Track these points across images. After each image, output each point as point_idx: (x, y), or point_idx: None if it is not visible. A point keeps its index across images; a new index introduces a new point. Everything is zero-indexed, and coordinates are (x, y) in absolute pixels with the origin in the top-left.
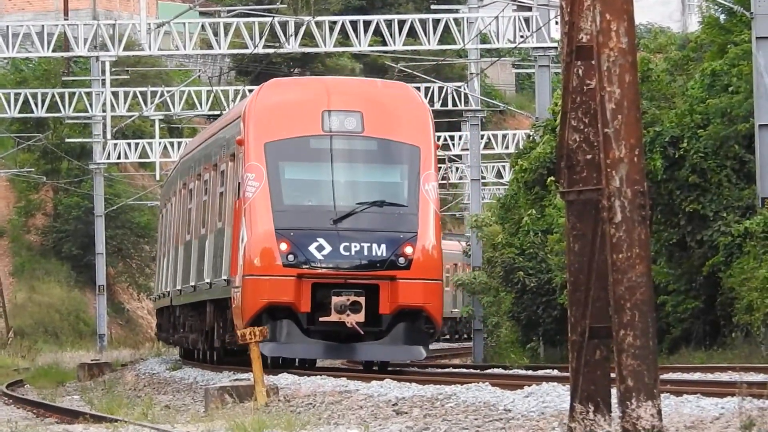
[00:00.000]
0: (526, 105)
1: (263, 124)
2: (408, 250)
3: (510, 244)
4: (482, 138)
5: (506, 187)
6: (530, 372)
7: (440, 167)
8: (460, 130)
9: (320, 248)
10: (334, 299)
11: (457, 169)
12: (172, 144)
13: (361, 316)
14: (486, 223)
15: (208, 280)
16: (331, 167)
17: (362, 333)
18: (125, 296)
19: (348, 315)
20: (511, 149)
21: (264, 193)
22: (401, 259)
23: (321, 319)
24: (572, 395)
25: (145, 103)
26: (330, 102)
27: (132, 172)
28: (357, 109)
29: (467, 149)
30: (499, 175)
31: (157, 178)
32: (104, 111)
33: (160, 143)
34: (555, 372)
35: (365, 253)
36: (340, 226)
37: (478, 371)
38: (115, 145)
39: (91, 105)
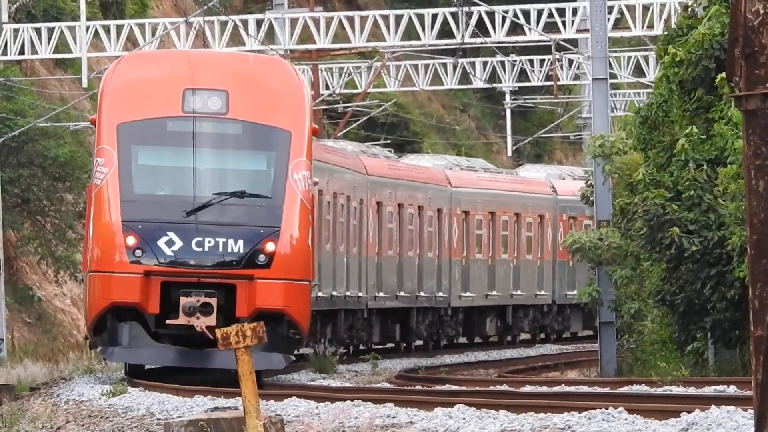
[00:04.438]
0: None
1: (118, 103)
2: (269, 246)
3: (657, 182)
4: (610, 12)
5: (650, 91)
6: (691, 390)
7: (544, 58)
8: (574, 0)
9: (170, 243)
10: (183, 300)
11: (570, 63)
12: (107, 30)
13: (212, 319)
14: (618, 149)
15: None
16: (190, 153)
17: (212, 338)
18: (35, 277)
19: (198, 318)
20: (658, 30)
21: (113, 180)
22: (261, 257)
23: (168, 321)
24: (757, 425)
25: None
26: (192, 79)
27: (44, 76)
28: (222, 88)
29: (586, 30)
30: (639, 71)
31: (84, 84)
32: None
33: (88, 29)
34: (731, 389)
35: (220, 249)
36: (194, 219)
37: (608, 390)
38: (16, 31)
39: None
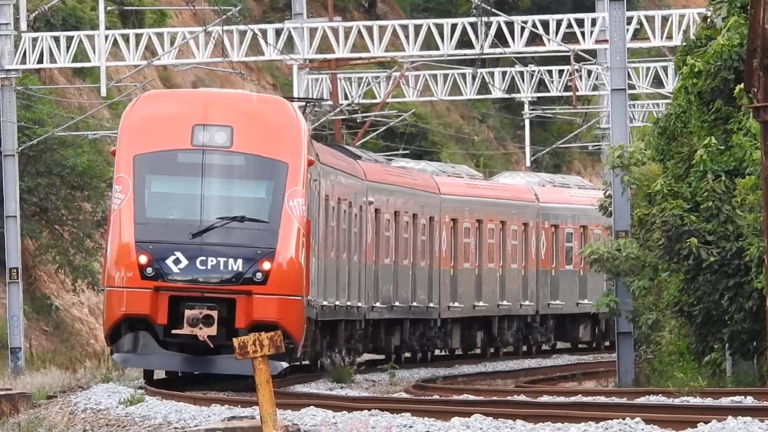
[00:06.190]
0: None
1: (135, 137)
2: (265, 265)
3: (676, 193)
4: (629, 23)
5: (668, 102)
6: (709, 401)
7: (563, 69)
8: (593, 10)
9: (177, 262)
10: (187, 312)
11: (589, 73)
12: (126, 39)
13: (213, 330)
14: (637, 160)
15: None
16: (197, 182)
17: (212, 346)
18: (53, 286)
19: (200, 328)
20: (677, 40)
21: (128, 206)
22: (258, 274)
23: (173, 331)
24: None
25: None
26: (201, 116)
27: (63, 85)
28: (228, 124)
29: (605, 41)
30: (658, 82)
31: (103, 93)
32: None
33: (107, 38)
34: (749, 400)
35: (222, 267)
36: (199, 241)
37: (626, 400)
38: (35, 40)
39: None
